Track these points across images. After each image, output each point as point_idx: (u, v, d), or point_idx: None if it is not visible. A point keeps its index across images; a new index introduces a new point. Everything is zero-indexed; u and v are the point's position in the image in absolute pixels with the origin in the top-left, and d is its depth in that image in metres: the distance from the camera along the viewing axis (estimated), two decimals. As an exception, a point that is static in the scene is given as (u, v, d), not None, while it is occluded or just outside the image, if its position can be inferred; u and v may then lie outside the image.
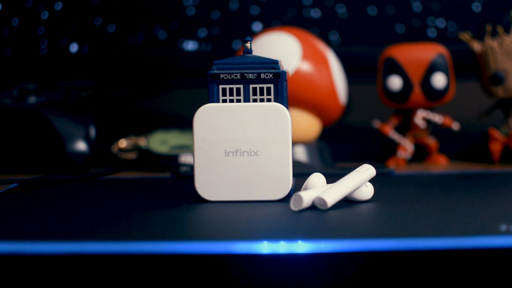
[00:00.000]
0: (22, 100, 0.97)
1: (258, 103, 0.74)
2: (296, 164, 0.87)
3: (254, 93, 0.75)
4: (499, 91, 1.00)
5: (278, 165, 0.73)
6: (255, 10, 1.12)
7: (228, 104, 0.74)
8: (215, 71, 0.75)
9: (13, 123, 0.96)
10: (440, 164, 1.01)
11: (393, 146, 1.02)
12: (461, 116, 1.03)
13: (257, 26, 1.13)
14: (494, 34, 1.03)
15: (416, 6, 1.12)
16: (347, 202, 0.72)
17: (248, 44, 0.77)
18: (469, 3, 1.12)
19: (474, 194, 0.78)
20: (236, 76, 0.75)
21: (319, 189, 0.70)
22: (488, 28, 1.01)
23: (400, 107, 1.01)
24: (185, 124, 1.03)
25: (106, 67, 1.12)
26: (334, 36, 1.13)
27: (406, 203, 0.72)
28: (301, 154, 0.97)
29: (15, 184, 0.83)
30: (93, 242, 0.59)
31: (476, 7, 1.12)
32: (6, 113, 0.96)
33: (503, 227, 0.61)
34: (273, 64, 0.75)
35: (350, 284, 0.58)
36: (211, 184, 0.73)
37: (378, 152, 1.05)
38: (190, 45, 1.13)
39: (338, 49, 1.06)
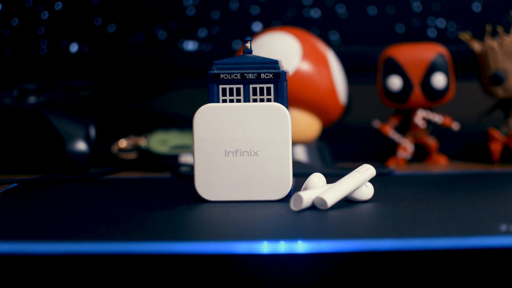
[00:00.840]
0: (22, 100, 0.97)
1: (258, 103, 0.74)
2: (296, 164, 0.87)
3: (254, 93, 0.75)
4: (499, 91, 1.00)
5: (278, 165, 0.73)
6: (255, 10, 1.12)
7: (228, 104, 0.74)
8: (215, 71, 0.75)
9: (13, 123, 0.96)
10: (440, 164, 1.01)
11: (393, 146, 1.02)
12: (461, 116, 1.03)
13: (257, 26, 1.13)
14: (494, 34, 1.03)
15: (416, 6, 1.12)
16: (347, 202, 0.72)
17: (248, 44, 0.77)
18: (469, 3, 1.12)
19: (474, 194, 0.78)
20: (236, 76, 0.75)
21: (319, 189, 0.70)
22: (488, 28, 1.01)
23: (400, 107, 1.01)
24: (185, 124, 1.03)
25: (106, 67, 1.12)
26: (334, 36, 1.13)
27: (406, 203, 0.72)
28: (301, 154, 0.97)
29: (15, 184, 0.83)
30: (93, 242, 0.59)
31: (476, 7, 1.12)
32: (6, 113, 0.96)
33: (503, 227, 0.61)
34: (273, 64, 0.75)
35: (350, 284, 0.58)
36: (211, 184, 0.73)
37: (378, 152, 1.05)
38: (190, 45, 1.13)
39: (338, 49, 1.06)
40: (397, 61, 0.99)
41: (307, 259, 0.57)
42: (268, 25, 1.12)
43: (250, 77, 0.75)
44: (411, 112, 1.01)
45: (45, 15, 1.11)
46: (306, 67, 0.95)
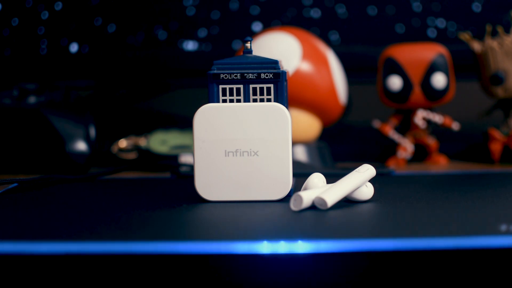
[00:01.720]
0: (22, 100, 0.97)
1: (258, 103, 0.74)
2: (296, 164, 0.87)
3: (254, 93, 0.75)
4: (499, 91, 1.00)
5: (278, 165, 0.73)
6: (255, 10, 1.13)
7: (228, 104, 0.74)
8: (215, 71, 0.75)
9: (13, 123, 0.96)
10: (440, 164, 1.01)
11: (393, 146, 1.02)
12: (461, 116, 1.03)
13: (257, 26, 1.13)
14: (494, 34, 1.03)
15: (416, 6, 1.12)
16: (347, 202, 0.72)
17: (248, 44, 0.77)
18: (469, 3, 1.12)
19: (474, 194, 0.78)
20: (236, 76, 0.75)
21: (319, 189, 0.70)
22: (488, 28, 1.01)
23: (400, 107, 1.01)
24: (185, 124, 1.03)
25: (106, 67, 1.12)
26: (334, 36, 1.13)
27: (406, 203, 0.72)
28: (301, 154, 0.97)
29: (15, 184, 0.83)
30: (93, 242, 0.59)
31: (476, 7, 1.12)
32: (6, 113, 0.96)
33: (503, 227, 0.61)
34: (273, 64, 0.75)
35: (350, 284, 0.58)
36: (211, 184, 0.73)
37: (378, 152, 1.05)
38: (190, 45, 1.13)
39: (338, 49, 1.06)
40: (397, 61, 0.99)
41: (307, 259, 0.57)
42: (268, 25, 1.12)
43: (250, 77, 0.75)
44: (411, 112, 1.01)
45: (45, 15, 1.11)
46: (306, 67, 0.95)
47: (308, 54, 0.96)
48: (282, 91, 0.75)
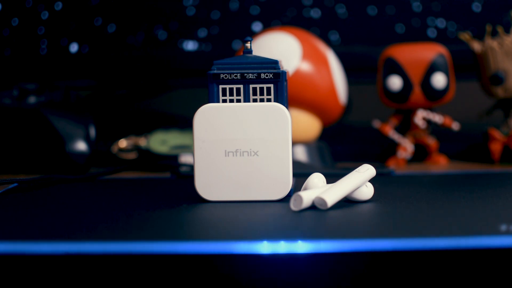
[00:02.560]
0: (22, 100, 0.97)
1: (258, 103, 0.74)
2: (296, 164, 0.87)
3: (254, 93, 0.75)
4: (499, 91, 1.00)
5: (278, 165, 0.73)
6: (255, 10, 1.13)
7: (228, 104, 0.74)
8: (215, 71, 0.75)
9: (13, 123, 0.96)
10: (440, 164, 1.01)
11: (393, 146, 1.02)
12: (461, 116, 1.03)
13: (257, 26, 1.13)
14: (494, 34, 1.03)
15: (416, 6, 1.12)
16: (347, 202, 0.72)
17: (248, 44, 0.77)
18: (469, 3, 1.12)
19: (474, 194, 0.78)
20: (236, 76, 0.75)
21: (319, 189, 0.70)
22: (488, 28, 1.01)
23: (400, 107, 1.01)
24: (185, 124, 1.04)
25: (106, 67, 1.12)
26: (334, 36, 1.13)
27: (406, 203, 0.72)
28: (301, 154, 0.97)
29: (15, 184, 0.83)
30: (93, 242, 0.59)
31: (476, 7, 1.12)
32: (6, 113, 0.96)
33: (503, 227, 0.61)
34: (273, 64, 0.75)
35: (350, 284, 0.58)
36: (211, 184, 0.73)
37: (378, 152, 1.05)
38: (190, 45, 1.13)
39: (338, 49, 1.06)
40: (397, 61, 0.99)
41: (307, 259, 0.57)
42: (268, 25, 1.12)
43: (250, 77, 0.75)
44: (411, 112, 1.01)
45: (45, 15, 1.11)
46: (306, 67, 0.95)
47: (308, 54, 0.96)
48: (282, 91, 0.75)
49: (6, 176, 0.92)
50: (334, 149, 1.02)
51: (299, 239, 0.59)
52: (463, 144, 1.07)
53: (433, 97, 0.99)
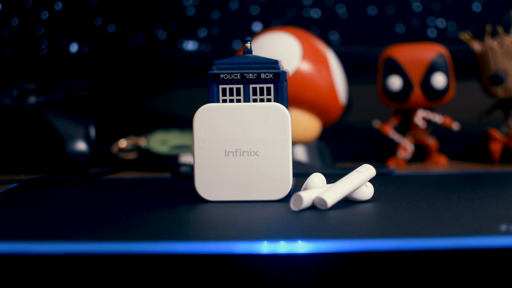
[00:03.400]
0: (22, 100, 0.97)
1: (258, 103, 0.74)
2: (296, 164, 0.87)
3: (254, 93, 0.75)
4: (499, 91, 1.00)
5: (278, 165, 0.73)
6: (255, 10, 1.13)
7: (228, 104, 0.74)
8: (215, 71, 0.75)
9: (13, 123, 0.96)
10: (440, 164, 1.01)
11: (393, 146, 1.02)
12: (461, 116, 1.03)
13: (257, 26, 1.13)
14: (494, 34, 1.03)
15: (416, 6, 1.12)
16: (347, 202, 0.72)
17: (248, 44, 0.77)
18: (469, 3, 1.12)
19: (474, 194, 0.78)
20: (236, 76, 0.75)
21: (319, 189, 0.70)
22: (488, 28, 1.01)
23: (400, 107, 1.01)
24: (185, 124, 1.04)
25: (106, 67, 1.12)
26: (334, 36, 1.13)
27: (406, 203, 0.72)
28: (301, 154, 0.97)
29: (15, 184, 0.83)
30: (93, 242, 0.59)
31: (476, 7, 1.12)
32: (6, 113, 0.96)
33: (503, 227, 0.61)
34: (273, 64, 0.75)
35: (350, 284, 0.58)
36: (211, 184, 0.73)
37: (378, 152, 1.05)
38: (190, 45, 1.13)
39: (338, 49, 1.06)
40: (397, 61, 0.99)
41: (307, 259, 0.57)
42: (268, 25, 1.12)
43: (250, 77, 0.75)
44: (411, 112, 1.01)
45: (45, 15, 1.11)
46: (306, 67, 0.95)
47: (308, 54, 0.96)
48: (282, 91, 0.75)
49: (6, 176, 0.92)
50: (334, 149, 1.02)
51: (299, 239, 0.59)
52: (463, 144, 1.07)
53: (433, 97, 0.99)
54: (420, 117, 1.00)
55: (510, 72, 0.99)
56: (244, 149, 0.73)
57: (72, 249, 0.58)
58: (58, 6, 1.12)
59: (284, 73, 0.75)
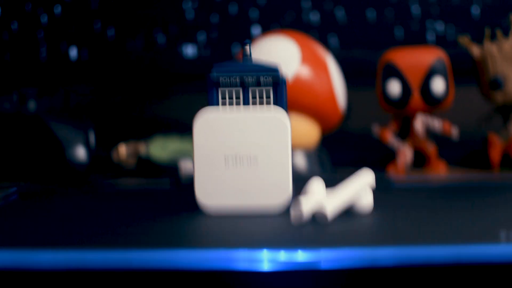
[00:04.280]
0: (21, 105, 0.97)
1: (258, 112, 0.74)
2: (295, 170, 0.87)
3: (254, 97, 0.76)
4: (498, 96, 1.00)
5: (277, 172, 0.73)
6: (254, 13, 1.12)
7: (228, 112, 0.74)
8: (215, 75, 0.75)
9: (13, 128, 0.96)
10: (440, 170, 1.01)
11: (393, 152, 1.02)
12: (460, 122, 1.03)
13: (256, 29, 1.13)
14: (493, 37, 1.03)
15: (415, 9, 1.12)
16: (347, 212, 0.72)
17: (247, 48, 0.77)
18: (468, 6, 1.12)
19: (475, 202, 0.78)
20: (235, 79, 0.75)
21: (319, 197, 0.70)
22: (487, 32, 1.01)
23: (400, 112, 1.01)
24: (185, 129, 1.03)
25: (106, 72, 1.12)
26: (333, 40, 1.13)
27: (406, 212, 0.72)
28: (301, 160, 0.97)
29: (15, 190, 0.83)
30: (93, 251, 0.59)
31: (475, 9, 1.12)
32: (5, 118, 0.96)
33: (504, 236, 0.61)
34: (273, 68, 0.76)
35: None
36: (211, 192, 0.73)
37: (378, 158, 1.05)
38: (189, 49, 1.13)
39: (337, 53, 1.06)
40: (396, 66, 0.99)
41: (307, 269, 0.57)
42: (267, 29, 1.12)
43: (250, 81, 0.75)
44: (411, 118, 1.01)
45: (44, 18, 1.11)
46: (305, 71, 0.95)
47: (307, 58, 0.96)
48: (281, 96, 0.75)
49: (6, 184, 0.91)
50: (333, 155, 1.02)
51: (299, 248, 0.59)
52: (463, 150, 1.07)
53: (432, 102, 0.99)
54: (420, 123, 1.00)
55: (509, 76, 0.99)
56: (244, 157, 0.73)
57: (71, 258, 0.58)
58: (58, 9, 1.12)
59: (283, 77, 0.75)
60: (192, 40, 1.13)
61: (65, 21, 1.12)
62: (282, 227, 0.68)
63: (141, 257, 0.58)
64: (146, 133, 1.06)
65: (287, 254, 0.58)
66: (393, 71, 0.99)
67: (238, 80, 0.75)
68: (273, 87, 0.75)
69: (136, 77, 1.12)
